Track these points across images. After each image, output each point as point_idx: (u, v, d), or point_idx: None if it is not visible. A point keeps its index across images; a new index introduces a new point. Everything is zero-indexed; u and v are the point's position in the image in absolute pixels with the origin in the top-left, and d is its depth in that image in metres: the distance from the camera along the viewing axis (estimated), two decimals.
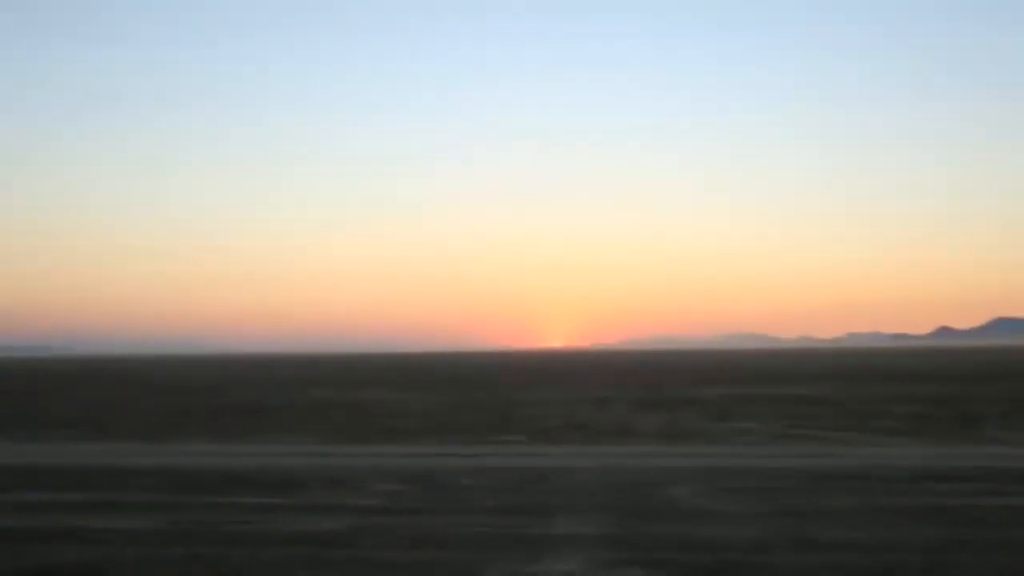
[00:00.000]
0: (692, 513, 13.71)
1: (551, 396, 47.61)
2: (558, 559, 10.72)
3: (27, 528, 12.98)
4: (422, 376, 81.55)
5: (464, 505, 14.56)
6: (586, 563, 10.52)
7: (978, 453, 21.14)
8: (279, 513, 14.03)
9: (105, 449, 23.92)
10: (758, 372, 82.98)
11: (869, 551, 11.02)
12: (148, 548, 11.57)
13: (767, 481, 16.76)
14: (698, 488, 15.97)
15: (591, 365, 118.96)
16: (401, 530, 12.53)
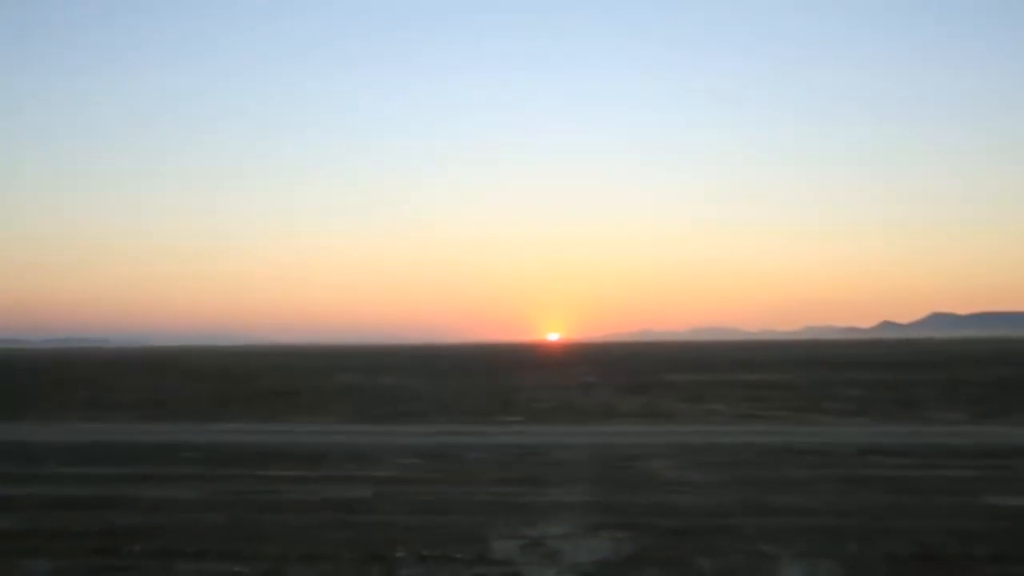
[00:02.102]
0: (667, 483, 13.77)
1: (545, 382, 47.61)
2: (552, 523, 10.78)
3: (92, 496, 13.03)
4: (431, 365, 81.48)
5: (471, 476, 14.61)
6: (576, 526, 10.58)
7: (916, 431, 21.18)
8: (308, 483, 14.07)
9: (157, 428, 23.96)
10: (725, 361, 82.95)
11: (820, 515, 11.08)
12: (194, 514, 11.62)
13: (732, 455, 16.81)
14: (673, 462, 16.03)
15: (580, 355, 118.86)
16: (416, 497, 12.59)
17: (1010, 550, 9.24)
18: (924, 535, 9.90)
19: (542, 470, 15.22)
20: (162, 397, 37.79)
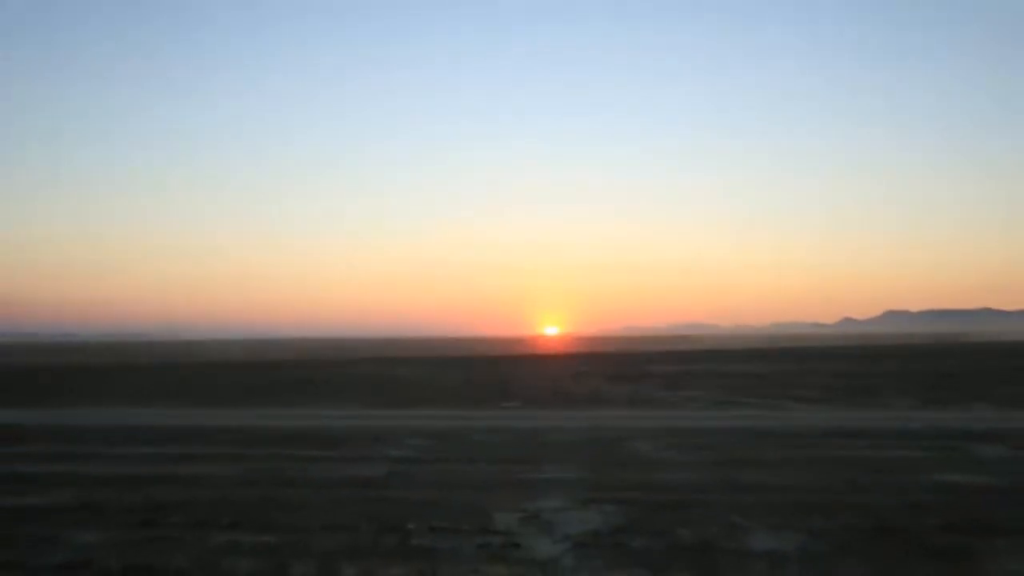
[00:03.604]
0: (651, 462, 13.81)
1: (541, 372, 47.62)
2: (548, 497, 10.82)
3: (136, 474, 13.08)
4: (439, 356, 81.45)
5: (475, 455, 14.64)
6: (570, 500, 10.63)
7: (874, 416, 21.24)
8: (330, 463, 14.10)
9: (192, 414, 23.97)
10: (702, 353, 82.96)
11: (787, 492, 11.12)
12: (228, 489, 11.66)
13: (709, 437, 16.84)
14: (656, 443, 16.06)
15: (572, 348, 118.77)
16: (426, 475, 12.63)
17: (958, 522, 9.30)
18: (881, 509, 9.95)
19: (538, 450, 15.25)
20: (195, 386, 37.78)
